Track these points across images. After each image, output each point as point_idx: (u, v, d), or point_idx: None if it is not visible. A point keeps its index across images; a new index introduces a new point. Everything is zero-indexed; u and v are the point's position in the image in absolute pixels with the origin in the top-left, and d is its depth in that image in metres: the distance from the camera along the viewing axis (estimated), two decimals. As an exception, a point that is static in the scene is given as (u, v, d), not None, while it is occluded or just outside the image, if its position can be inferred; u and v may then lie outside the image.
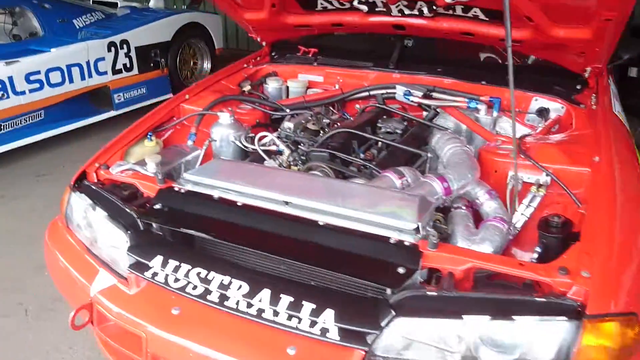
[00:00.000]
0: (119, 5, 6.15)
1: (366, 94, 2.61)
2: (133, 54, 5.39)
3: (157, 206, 1.72)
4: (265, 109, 2.49)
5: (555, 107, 2.34)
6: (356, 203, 1.59)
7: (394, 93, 2.49)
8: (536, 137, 2.13)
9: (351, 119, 2.63)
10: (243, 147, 2.22)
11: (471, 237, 1.66)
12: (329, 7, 2.52)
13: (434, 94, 2.43)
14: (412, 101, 2.41)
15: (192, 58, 6.44)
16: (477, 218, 1.84)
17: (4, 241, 3.48)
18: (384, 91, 2.53)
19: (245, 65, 2.93)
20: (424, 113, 2.49)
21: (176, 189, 1.77)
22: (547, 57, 2.41)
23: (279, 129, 2.33)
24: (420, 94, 2.41)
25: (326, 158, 1.95)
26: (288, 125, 2.26)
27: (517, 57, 2.54)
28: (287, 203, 1.63)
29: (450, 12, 2.30)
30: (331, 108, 2.68)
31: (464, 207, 1.83)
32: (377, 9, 2.42)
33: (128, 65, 5.38)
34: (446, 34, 2.44)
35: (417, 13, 2.36)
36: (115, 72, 5.23)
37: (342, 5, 2.46)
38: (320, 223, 1.55)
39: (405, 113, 2.43)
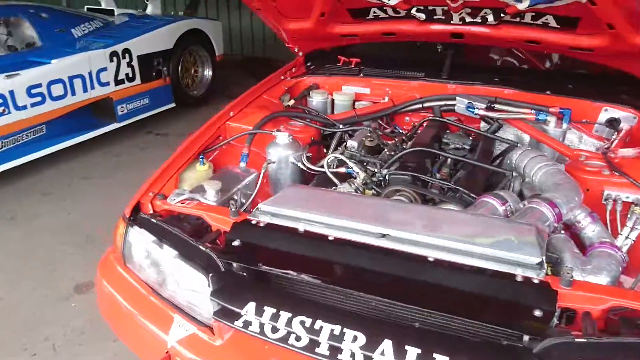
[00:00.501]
0: (115, 13, 5.89)
1: (419, 106, 2.47)
2: (135, 63, 5.17)
3: (235, 243, 1.54)
4: (318, 125, 2.32)
5: (627, 117, 2.23)
6: (464, 234, 1.43)
7: (453, 105, 2.35)
8: (615, 150, 2.01)
9: (402, 132, 2.48)
10: (306, 169, 2.04)
11: (583, 266, 1.52)
12: (382, 15, 2.37)
13: (497, 106, 2.30)
14: (476, 114, 2.27)
15: (193, 66, 6.22)
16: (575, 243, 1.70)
17: (21, 267, 3.25)
18: (441, 103, 2.39)
19: (282, 77, 2.76)
20: (482, 125, 2.36)
21: (254, 222, 1.59)
22: (618, 65, 2.30)
23: (341, 148, 2.17)
24: (483, 105, 2.28)
25: (408, 181, 1.80)
26: (352, 143, 2.09)
27: (579, 65, 2.43)
28: (383, 235, 1.47)
29: (518, 19, 2.17)
30: (380, 122, 2.53)
31: (562, 231, 1.69)
32: (435, 17, 2.28)
33: (131, 75, 5.15)
34: (508, 42, 2.31)
35: (479, 21, 2.23)
36: (117, 82, 5.00)
37: (397, 13, 2.31)
38: (430, 259, 1.39)
39: (470, 127, 2.28)
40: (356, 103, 2.60)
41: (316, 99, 2.60)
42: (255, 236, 1.55)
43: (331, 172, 1.95)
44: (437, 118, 2.34)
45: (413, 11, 2.25)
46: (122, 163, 4.78)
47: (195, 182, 1.98)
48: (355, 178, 1.89)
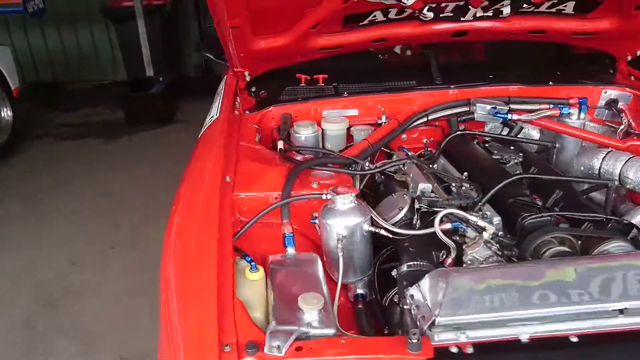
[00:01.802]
0: None
1: (424, 119, 2.10)
2: None
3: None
4: (347, 170, 1.78)
5: (623, 95, 2.22)
6: None
7: (473, 112, 2.05)
8: None
9: (411, 154, 2.08)
10: (396, 235, 1.51)
11: None
12: (380, 19, 1.91)
13: (513, 106, 2.07)
14: (509, 119, 2.00)
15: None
16: None
17: None
18: (456, 110, 2.06)
19: (237, 113, 2.10)
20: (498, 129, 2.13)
21: (454, 349, 1.05)
22: (600, 45, 2.27)
23: (397, 195, 1.68)
24: (506, 108, 2.03)
25: (553, 224, 1.43)
26: (425, 187, 1.62)
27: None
28: (621, 312, 1.11)
29: (532, 9, 1.95)
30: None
31: None
32: (442, 15, 1.92)
33: None
34: (512, 34, 2.08)
35: (490, 15, 1.95)
36: None
37: (401, 14, 1.88)
38: None
39: (507, 137, 2.01)
40: (352, 129, 2.10)
41: (304, 134, 2.01)
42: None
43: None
44: (466, 132, 2.01)
45: (425, 10, 1.85)
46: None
47: (255, 300, 1.30)
48: (467, 233, 1.46)
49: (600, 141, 1.98)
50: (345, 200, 1.49)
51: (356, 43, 2.04)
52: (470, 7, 1.87)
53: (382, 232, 1.51)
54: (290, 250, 1.49)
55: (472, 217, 1.44)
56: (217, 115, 2.07)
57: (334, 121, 2.08)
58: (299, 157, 1.85)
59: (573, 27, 2.04)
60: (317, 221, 1.55)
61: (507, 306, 1.10)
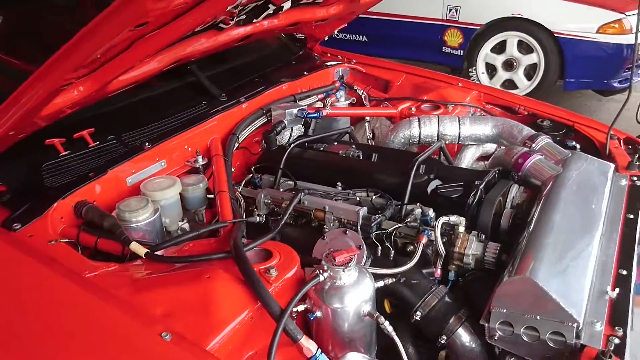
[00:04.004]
0: None
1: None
2: None
3: None
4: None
5: (346, 71, 2.45)
6: None
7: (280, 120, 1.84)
8: None
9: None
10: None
11: None
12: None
13: (302, 102, 1.98)
14: (320, 116, 1.89)
15: None
16: None
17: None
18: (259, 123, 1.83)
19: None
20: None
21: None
22: (309, 32, 2.36)
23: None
24: (304, 107, 1.92)
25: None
26: (362, 210, 1.38)
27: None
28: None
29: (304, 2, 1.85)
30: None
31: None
32: (238, 19, 1.58)
33: None
34: (277, 30, 1.92)
35: (272, 12, 1.73)
36: None
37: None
38: None
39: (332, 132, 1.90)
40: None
41: (144, 217, 1.34)
42: None
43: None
44: (301, 140, 1.79)
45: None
46: None
47: None
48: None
49: (380, 113, 2.18)
50: (352, 271, 1.14)
51: (150, 74, 1.45)
52: (270, 5, 1.62)
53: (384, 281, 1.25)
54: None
55: (450, 219, 1.37)
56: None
57: (169, 184, 1.47)
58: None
59: (317, 15, 2.06)
60: (318, 314, 1.14)
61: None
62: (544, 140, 1.74)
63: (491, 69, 5.11)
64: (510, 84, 5.04)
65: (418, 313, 1.26)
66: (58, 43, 1.02)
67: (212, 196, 1.57)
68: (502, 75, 5.04)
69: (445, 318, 1.25)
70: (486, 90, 2.34)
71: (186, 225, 1.53)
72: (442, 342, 1.24)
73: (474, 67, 5.13)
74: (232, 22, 1.56)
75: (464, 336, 1.25)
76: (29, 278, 1.10)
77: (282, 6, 1.77)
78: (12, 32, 3.20)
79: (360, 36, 5.60)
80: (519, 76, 4.95)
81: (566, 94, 5.14)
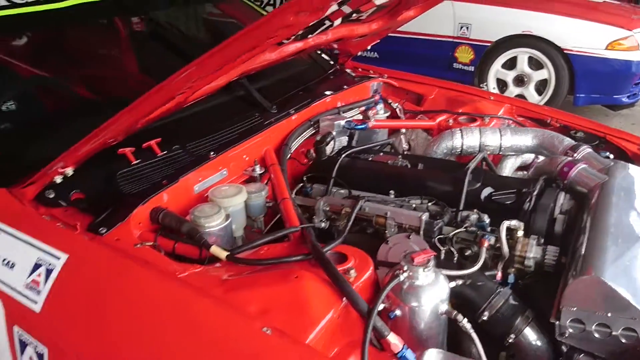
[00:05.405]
0: None
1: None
2: None
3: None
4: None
5: (380, 85, 2.54)
6: None
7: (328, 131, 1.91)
8: None
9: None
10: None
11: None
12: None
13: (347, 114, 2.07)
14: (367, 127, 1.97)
15: None
16: None
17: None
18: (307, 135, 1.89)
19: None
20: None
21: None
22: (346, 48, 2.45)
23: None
24: (351, 119, 1.99)
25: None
26: (425, 215, 1.44)
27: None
28: None
29: (355, 16, 1.93)
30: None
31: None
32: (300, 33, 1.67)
33: None
34: (328, 44, 2.01)
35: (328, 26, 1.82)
36: None
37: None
38: None
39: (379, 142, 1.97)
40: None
41: (216, 223, 1.39)
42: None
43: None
44: (352, 150, 1.87)
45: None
46: None
47: None
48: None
49: (420, 125, 2.25)
50: (430, 271, 1.20)
51: (219, 86, 1.52)
52: (327, 22, 1.70)
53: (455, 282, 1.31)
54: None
55: (511, 223, 1.43)
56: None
57: (223, 197, 1.53)
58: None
59: (361, 31, 2.15)
60: (398, 312, 1.19)
61: None
62: (586, 150, 1.82)
63: (502, 85, 5.23)
64: (521, 99, 5.16)
65: (485, 313, 1.32)
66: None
67: (269, 204, 1.63)
68: (513, 90, 5.16)
69: (513, 318, 1.31)
70: (518, 103, 2.42)
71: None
72: (510, 341, 1.30)
73: (485, 83, 5.25)
74: (292, 38, 1.63)
75: (531, 335, 1.30)
76: (131, 278, 1.16)
77: (334, 22, 1.86)
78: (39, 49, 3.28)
79: (372, 53, 5.72)
80: (530, 91, 5.07)
81: (575, 108, 5.26)
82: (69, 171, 1.38)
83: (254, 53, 1.19)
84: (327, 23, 1.74)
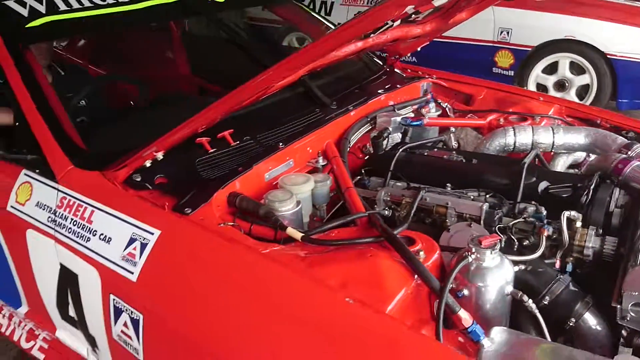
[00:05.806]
0: None
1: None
2: None
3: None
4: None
5: (429, 85, 2.61)
6: None
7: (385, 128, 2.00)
8: None
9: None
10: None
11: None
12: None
13: (401, 111, 2.15)
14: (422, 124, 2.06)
15: None
16: None
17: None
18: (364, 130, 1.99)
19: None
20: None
21: None
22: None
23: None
24: (406, 115, 2.08)
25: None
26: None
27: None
28: None
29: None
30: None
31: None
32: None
33: None
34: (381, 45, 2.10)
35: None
36: None
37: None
38: None
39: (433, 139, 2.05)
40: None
41: (287, 208, 1.50)
42: None
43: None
44: (407, 145, 1.95)
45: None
46: None
47: None
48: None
49: (471, 123, 2.32)
50: (496, 254, 1.28)
51: (291, 81, 1.64)
52: (389, 22, 1.79)
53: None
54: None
55: (571, 213, 1.49)
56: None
57: (294, 182, 1.63)
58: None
59: (415, 32, 2.23)
60: (466, 292, 1.27)
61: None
62: (639, 148, 1.86)
63: (542, 89, 5.22)
64: (562, 103, 5.15)
65: (547, 298, 1.38)
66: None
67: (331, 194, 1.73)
68: (554, 95, 5.15)
69: (573, 303, 1.36)
70: (567, 103, 2.46)
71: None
72: (570, 324, 1.35)
73: (525, 88, 5.25)
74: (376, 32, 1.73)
75: (591, 320, 1.35)
76: (219, 252, 1.27)
77: (393, 23, 1.95)
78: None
79: (411, 57, 5.77)
80: (571, 96, 5.05)
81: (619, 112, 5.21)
82: (160, 155, 1.51)
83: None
84: (389, 23, 1.83)
